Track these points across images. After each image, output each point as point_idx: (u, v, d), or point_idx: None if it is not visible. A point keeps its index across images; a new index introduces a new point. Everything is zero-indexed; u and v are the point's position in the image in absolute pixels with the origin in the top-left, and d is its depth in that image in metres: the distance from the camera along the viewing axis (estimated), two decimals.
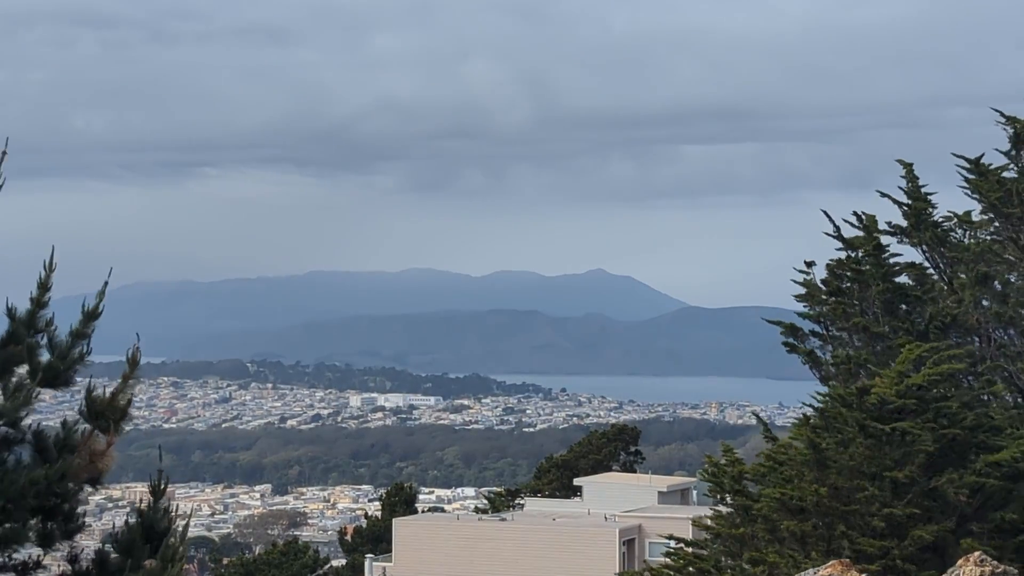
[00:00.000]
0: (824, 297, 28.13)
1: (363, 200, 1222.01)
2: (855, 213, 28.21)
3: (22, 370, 8.49)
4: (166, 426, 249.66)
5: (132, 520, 8.46)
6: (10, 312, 8.41)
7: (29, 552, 8.46)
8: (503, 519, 59.53)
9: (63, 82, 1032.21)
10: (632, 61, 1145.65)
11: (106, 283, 8.26)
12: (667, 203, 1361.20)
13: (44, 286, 8.41)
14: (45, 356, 8.59)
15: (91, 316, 8.37)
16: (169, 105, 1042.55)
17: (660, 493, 62.14)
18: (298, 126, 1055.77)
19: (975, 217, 28.35)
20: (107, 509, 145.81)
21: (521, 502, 67.16)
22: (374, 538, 68.82)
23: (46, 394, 8.93)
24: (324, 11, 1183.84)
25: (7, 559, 8.21)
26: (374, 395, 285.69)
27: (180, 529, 8.37)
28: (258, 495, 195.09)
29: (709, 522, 27.97)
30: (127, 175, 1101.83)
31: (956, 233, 28.58)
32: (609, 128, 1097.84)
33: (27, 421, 8.46)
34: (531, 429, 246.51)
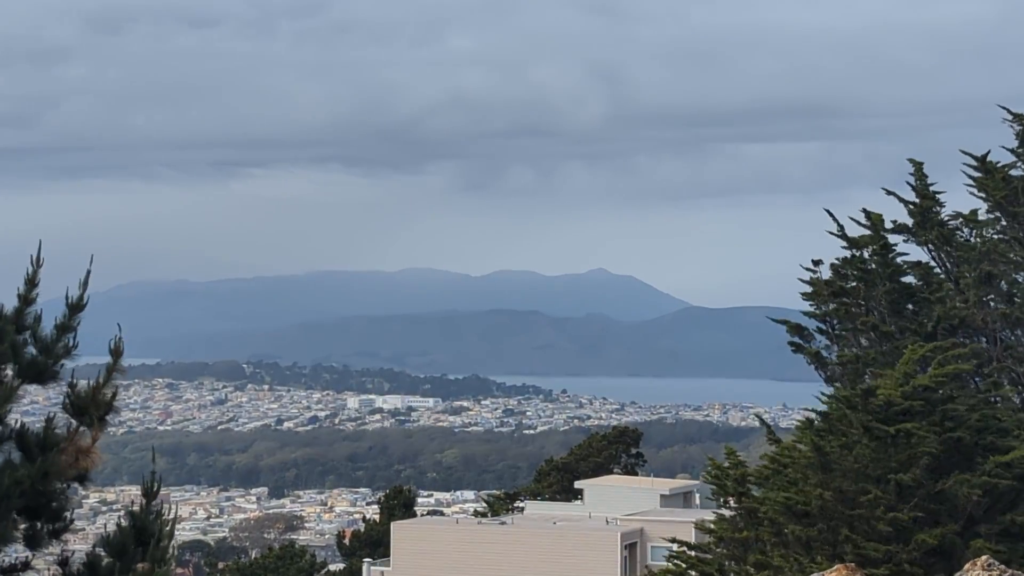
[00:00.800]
0: (830, 296, 27.84)
1: (399, 199, 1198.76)
2: (864, 211, 27.89)
3: (8, 367, 8.27)
4: (161, 428, 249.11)
5: (124, 522, 8.38)
6: None
7: (16, 556, 8.26)
8: (503, 523, 59.17)
9: (137, 79, 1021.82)
10: (707, 59, 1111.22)
11: (88, 271, 8.07)
12: (701, 204, 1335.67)
13: (31, 282, 8.23)
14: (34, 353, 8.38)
15: (75, 308, 8.18)
16: (235, 104, 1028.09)
17: (662, 496, 61.78)
18: (361, 123, 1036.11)
19: (981, 216, 28.05)
20: (101, 512, 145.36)
21: (521, 505, 66.86)
22: (372, 542, 68.49)
23: (39, 395, 8.84)
24: (413, 6, 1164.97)
25: None
26: (372, 397, 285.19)
27: (168, 529, 8.15)
28: (254, 498, 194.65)
29: (712, 526, 27.68)
30: (171, 174, 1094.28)
31: (963, 232, 28.28)
32: (677, 126, 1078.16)
33: (16, 419, 8.27)
34: (531, 431, 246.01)
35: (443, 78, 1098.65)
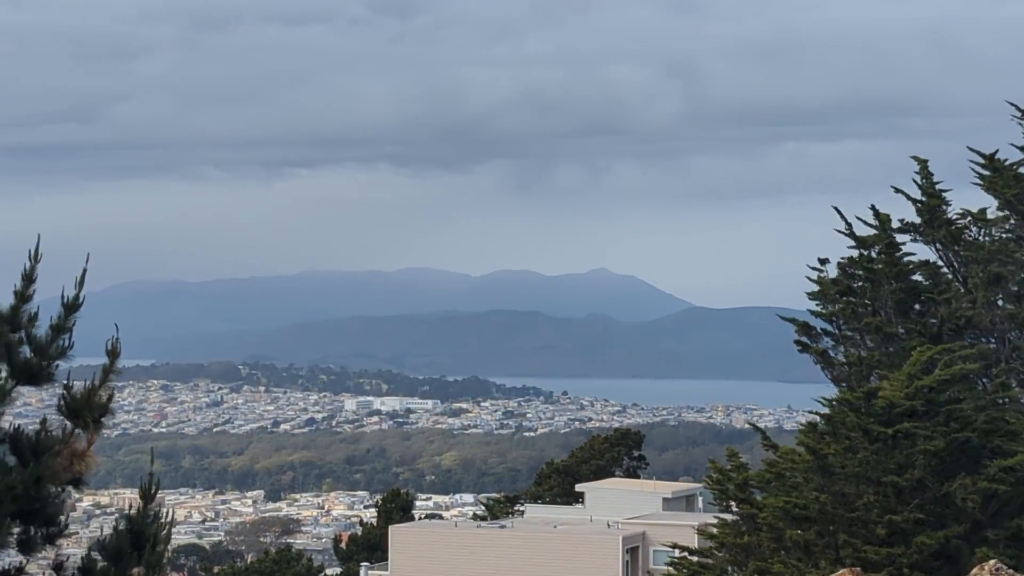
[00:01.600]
0: (836, 296, 27.63)
1: (438, 199, 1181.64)
2: (872, 209, 27.69)
3: (2, 368, 8.06)
4: (155, 430, 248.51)
5: (121, 526, 8.25)
6: None
7: (10, 561, 8.13)
8: (503, 526, 58.87)
9: (214, 77, 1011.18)
10: (786, 55, 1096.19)
11: (84, 270, 7.84)
12: (740, 204, 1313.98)
13: (28, 278, 8.01)
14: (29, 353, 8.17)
15: (71, 308, 8.00)
16: (305, 103, 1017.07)
17: (664, 499, 61.54)
18: (426, 122, 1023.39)
19: (991, 214, 27.82)
20: (95, 516, 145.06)
21: (521, 509, 66.64)
22: (369, 546, 68.23)
23: (32, 397, 8.66)
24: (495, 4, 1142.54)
25: None
26: (370, 398, 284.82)
27: (165, 533, 7.95)
28: (250, 501, 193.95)
29: (714, 530, 27.46)
30: (217, 174, 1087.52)
31: (971, 231, 28.04)
32: (749, 124, 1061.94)
33: (8, 421, 8.09)
34: (532, 433, 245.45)
35: (515, 76, 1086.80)
